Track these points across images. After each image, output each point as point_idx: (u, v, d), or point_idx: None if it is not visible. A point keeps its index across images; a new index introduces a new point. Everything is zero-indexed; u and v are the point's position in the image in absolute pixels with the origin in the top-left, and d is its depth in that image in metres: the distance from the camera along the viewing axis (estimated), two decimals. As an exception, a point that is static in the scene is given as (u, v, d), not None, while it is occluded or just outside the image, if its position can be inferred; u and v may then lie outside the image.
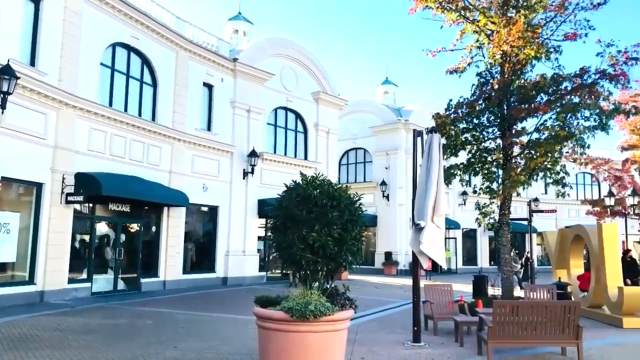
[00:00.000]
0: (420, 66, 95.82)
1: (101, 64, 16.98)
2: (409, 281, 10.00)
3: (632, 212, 27.28)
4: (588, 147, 13.65)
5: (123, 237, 17.85)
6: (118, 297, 15.88)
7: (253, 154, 21.85)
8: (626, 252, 19.64)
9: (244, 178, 22.11)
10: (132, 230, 18.50)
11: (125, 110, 17.67)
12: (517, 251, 25.32)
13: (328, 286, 6.89)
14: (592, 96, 12.85)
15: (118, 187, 16.10)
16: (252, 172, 22.09)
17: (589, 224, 14.64)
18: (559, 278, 14.50)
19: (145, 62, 18.79)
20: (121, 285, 17.28)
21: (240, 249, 21.74)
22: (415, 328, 9.15)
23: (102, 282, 16.69)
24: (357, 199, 7.00)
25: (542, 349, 8.48)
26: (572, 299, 13.41)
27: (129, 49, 18.16)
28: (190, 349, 8.51)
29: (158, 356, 7.98)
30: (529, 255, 23.68)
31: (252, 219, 22.35)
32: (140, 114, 18.28)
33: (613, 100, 13.63)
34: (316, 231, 6.44)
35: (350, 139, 33.62)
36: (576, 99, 13.17)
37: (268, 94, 23.66)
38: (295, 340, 6.24)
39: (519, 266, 22.69)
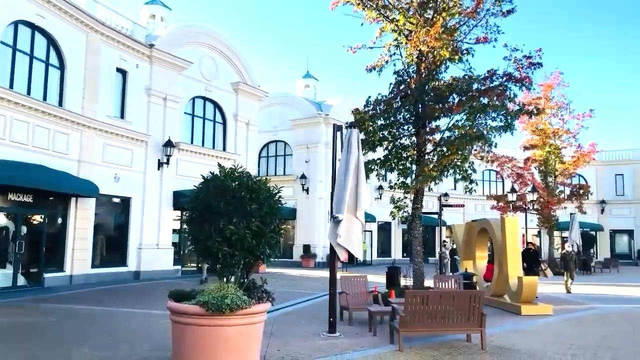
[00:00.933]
0: (342, 61, 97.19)
1: (1, 42, 15.67)
2: (326, 273, 10.17)
3: (531, 207, 29.43)
4: (495, 145, 14.55)
5: (24, 229, 16.61)
6: (18, 293, 14.78)
7: (169, 144, 21.14)
8: (529, 243, 21.18)
9: (159, 169, 21.36)
10: (35, 222, 17.27)
11: (28, 93, 16.42)
12: (445, 242, 26.71)
13: (245, 279, 6.84)
14: (500, 98, 13.70)
15: (18, 176, 14.96)
16: (168, 163, 21.39)
17: (493, 218, 15.59)
18: (466, 269, 15.35)
19: (52, 43, 17.54)
20: (21, 281, 16.10)
21: (153, 242, 21.01)
22: (331, 319, 9.31)
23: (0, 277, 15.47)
24: (276, 191, 6.98)
25: (450, 336, 8.92)
26: (478, 288, 14.22)
27: (34, 28, 16.86)
28: (99, 346, 8.10)
29: (63, 356, 7.53)
30: (454, 247, 24.84)
31: (167, 211, 21.65)
32: (45, 98, 17.06)
33: (518, 101, 14.62)
34: (234, 224, 6.36)
35: (270, 132, 33.49)
36: (485, 100, 13.97)
37: (186, 82, 22.97)
38: (211, 334, 6.13)
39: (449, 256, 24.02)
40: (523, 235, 28.01)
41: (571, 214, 31.64)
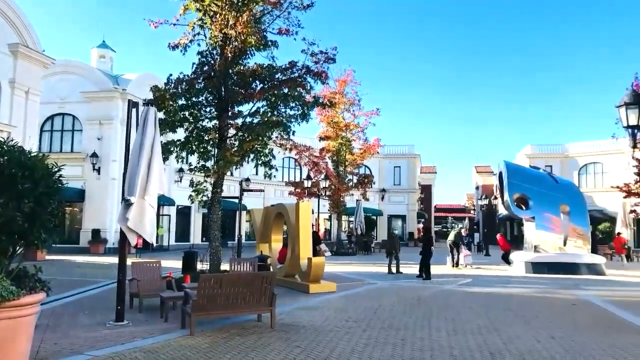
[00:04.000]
0: (146, 36, 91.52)
1: None
2: (117, 260, 9.51)
3: (324, 194, 31.74)
4: (293, 133, 15.27)
5: None
6: None
7: None
8: (312, 226, 22.81)
9: None
10: None
11: None
12: (313, 225, 27.32)
13: (15, 268, 6.02)
14: (299, 88, 14.40)
15: None
16: None
17: (289, 203, 16.39)
18: (261, 251, 15.88)
19: None
20: None
21: None
22: (119, 307, 8.78)
23: None
24: (56, 169, 6.26)
25: (243, 317, 9.13)
26: (271, 270, 14.83)
27: None
28: None
29: None
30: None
31: None
32: None
33: (314, 94, 15.55)
34: (1, 204, 5.53)
35: (56, 103, 29.88)
36: (286, 90, 14.54)
37: (-54, 36, 19.18)
38: (-34, 332, 5.27)
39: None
40: (316, 219, 30.15)
41: (357, 200, 35.08)
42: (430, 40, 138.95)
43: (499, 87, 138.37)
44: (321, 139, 33.84)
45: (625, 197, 32.34)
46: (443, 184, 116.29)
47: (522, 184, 20.99)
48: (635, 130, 9.33)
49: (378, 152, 39.24)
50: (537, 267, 19.53)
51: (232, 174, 36.30)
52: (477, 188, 71.40)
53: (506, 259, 22.68)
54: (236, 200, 26.33)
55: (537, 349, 7.34)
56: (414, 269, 18.31)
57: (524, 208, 20.84)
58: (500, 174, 21.84)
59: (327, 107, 16.76)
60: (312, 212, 28.81)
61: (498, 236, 24.76)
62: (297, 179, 40.15)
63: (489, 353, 7.11)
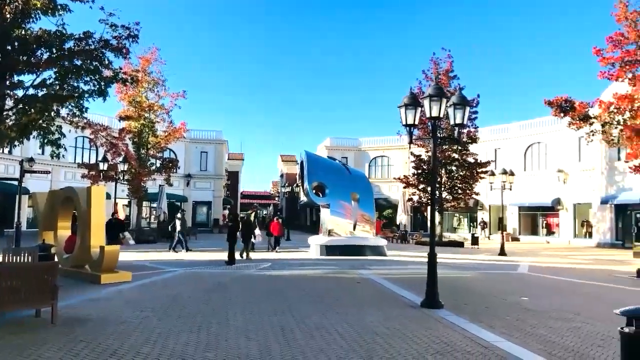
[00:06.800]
0: None
1: None
2: None
3: (122, 178, 29.70)
4: (86, 110, 13.95)
5: None
6: None
7: None
8: (113, 214, 21.40)
9: None
10: None
11: None
12: (184, 211, 26.45)
13: None
14: (95, 61, 13.20)
15: None
16: None
17: (79, 186, 14.97)
18: (43, 240, 14.23)
19: None
20: None
21: None
22: None
23: None
24: None
25: (16, 313, 8.09)
26: (56, 260, 13.42)
27: None
28: None
29: None
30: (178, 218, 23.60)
31: None
32: None
33: (114, 69, 14.40)
34: None
35: None
36: (79, 62, 13.21)
37: None
38: None
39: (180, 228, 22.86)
40: (115, 205, 28.15)
41: (160, 185, 33.67)
42: (244, 30, 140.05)
43: (303, 79, 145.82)
44: (121, 118, 31.46)
45: (404, 188, 37.04)
46: (250, 171, 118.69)
47: (320, 174, 22.46)
48: (412, 129, 10.68)
49: (184, 136, 38.12)
50: (330, 249, 21.15)
51: (10, 152, 31.90)
52: (281, 176, 74.42)
53: (277, 243, 24.25)
54: (16, 183, 23.17)
55: (324, 325, 7.96)
56: (220, 255, 18.45)
57: (321, 195, 22.33)
58: (302, 163, 23.02)
59: (128, 84, 15.66)
60: (109, 198, 26.87)
61: (275, 220, 25.66)
62: (92, 161, 36.90)
63: (280, 331, 7.48)
